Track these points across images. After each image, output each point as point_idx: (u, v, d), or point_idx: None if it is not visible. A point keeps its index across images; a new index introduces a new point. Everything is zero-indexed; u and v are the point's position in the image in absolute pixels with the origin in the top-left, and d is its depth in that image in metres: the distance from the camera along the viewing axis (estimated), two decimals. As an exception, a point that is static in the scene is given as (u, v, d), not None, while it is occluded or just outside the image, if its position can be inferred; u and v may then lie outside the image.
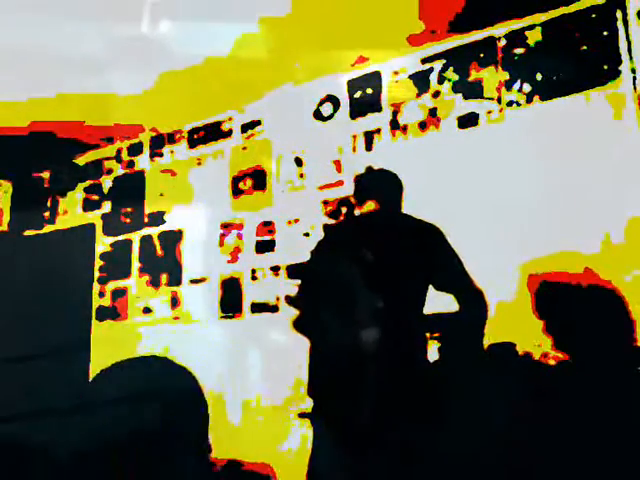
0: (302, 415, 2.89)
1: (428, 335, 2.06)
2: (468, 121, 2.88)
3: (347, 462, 1.80)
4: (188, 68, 3.18)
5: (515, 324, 2.53)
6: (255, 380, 3.25)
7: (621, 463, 2.07)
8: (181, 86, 3.37)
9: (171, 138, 3.97)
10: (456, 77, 2.95)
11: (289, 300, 2.10)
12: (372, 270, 1.89)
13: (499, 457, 2.24)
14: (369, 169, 2.26)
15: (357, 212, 2.18)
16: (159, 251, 3.86)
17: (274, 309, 3.29)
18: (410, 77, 3.09)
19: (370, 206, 2.08)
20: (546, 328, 2.48)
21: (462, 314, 1.88)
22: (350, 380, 1.81)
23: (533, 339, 2.49)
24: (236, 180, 3.61)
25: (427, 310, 2.00)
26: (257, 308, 3.36)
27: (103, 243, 4.16)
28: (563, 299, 2.51)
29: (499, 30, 2.86)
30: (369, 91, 3.21)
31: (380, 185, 2.13)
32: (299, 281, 2.13)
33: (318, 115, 3.36)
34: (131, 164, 4.15)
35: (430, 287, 1.95)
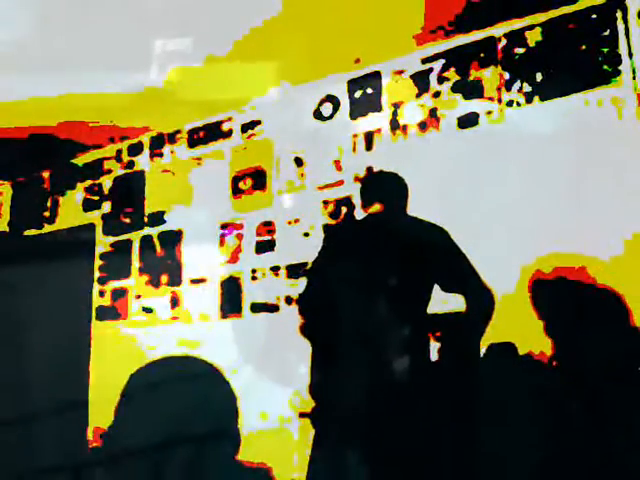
0: (302, 415, 2.89)
1: (430, 335, 2.06)
2: (468, 121, 2.88)
3: (346, 462, 1.80)
4: (188, 68, 3.18)
5: (515, 324, 2.53)
6: (255, 379, 3.24)
7: (623, 466, 2.07)
8: (182, 85, 3.37)
9: (171, 138, 3.97)
10: (456, 77, 2.95)
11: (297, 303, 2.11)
12: (376, 272, 1.90)
13: (499, 457, 2.24)
14: (374, 172, 2.27)
15: (360, 214, 2.18)
16: (159, 251, 3.86)
17: (274, 309, 3.29)
18: (410, 77, 3.09)
19: (375, 208, 2.08)
20: (546, 329, 2.47)
21: (467, 314, 1.88)
22: (353, 381, 1.81)
23: (533, 340, 2.49)
24: (236, 180, 3.61)
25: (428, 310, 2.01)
26: (257, 308, 3.36)
27: (103, 243, 4.16)
28: (562, 300, 2.51)
29: (499, 30, 2.85)
30: (369, 91, 3.21)
31: (386, 187, 2.14)
32: (304, 284, 2.13)
33: (318, 115, 3.36)
34: (131, 164, 4.15)
35: (436, 287, 1.96)
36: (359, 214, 2.99)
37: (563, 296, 2.50)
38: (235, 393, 0.88)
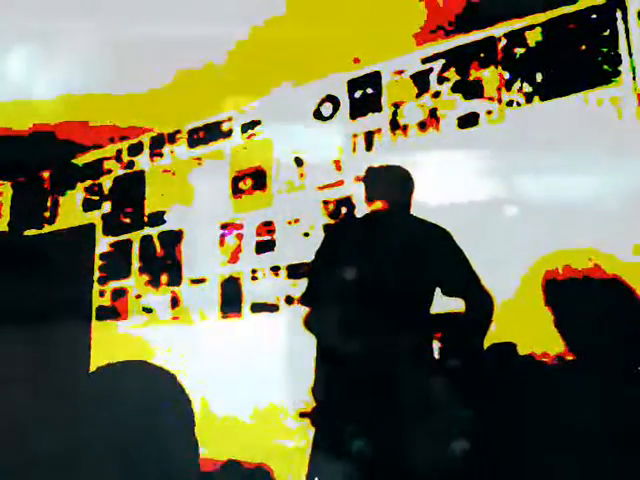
0: (302, 415, 2.88)
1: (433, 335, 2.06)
2: (468, 121, 2.88)
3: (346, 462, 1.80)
4: (189, 68, 3.18)
5: (519, 323, 2.53)
6: (255, 379, 3.24)
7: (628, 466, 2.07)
8: (182, 86, 3.37)
9: (171, 138, 3.97)
10: (456, 77, 2.95)
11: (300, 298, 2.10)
12: (380, 271, 1.89)
13: (499, 458, 2.24)
14: (381, 165, 2.22)
15: (362, 210, 2.17)
16: (159, 251, 3.86)
17: (274, 309, 3.29)
18: (410, 77, 3.09)
19: (377, 205, 2.05)
20: (556, 325, 2.46)
21: (467, 317, 1.87)
22: (355, 381, 1.81)
23: (540, 340, 2.49)
24: (236, 180, 3.61)
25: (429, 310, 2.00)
26: (257, 308, 3.36)
27: (103, 243, 4.16)
28: (564, 296, 2.51)
29: (499, 30, 2.85)
30: (369, 91, 3.21)
31: (390, 184, 2.09)
32: (307, 279, 2.12)
33: (318, 115, 3.36)
34: (131, 164, 4.15)
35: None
36: (359, 212, 2.99)
37: (572, 293, 2.50)
38: (189, 397, 0.86)
